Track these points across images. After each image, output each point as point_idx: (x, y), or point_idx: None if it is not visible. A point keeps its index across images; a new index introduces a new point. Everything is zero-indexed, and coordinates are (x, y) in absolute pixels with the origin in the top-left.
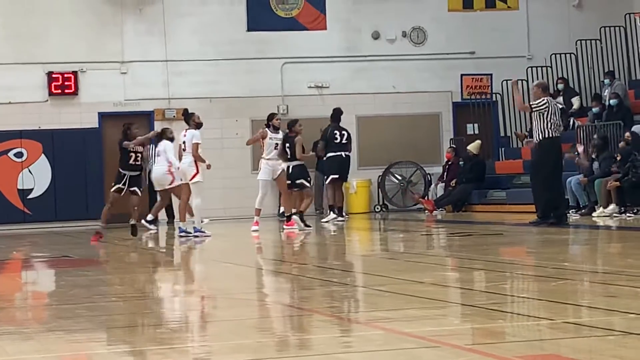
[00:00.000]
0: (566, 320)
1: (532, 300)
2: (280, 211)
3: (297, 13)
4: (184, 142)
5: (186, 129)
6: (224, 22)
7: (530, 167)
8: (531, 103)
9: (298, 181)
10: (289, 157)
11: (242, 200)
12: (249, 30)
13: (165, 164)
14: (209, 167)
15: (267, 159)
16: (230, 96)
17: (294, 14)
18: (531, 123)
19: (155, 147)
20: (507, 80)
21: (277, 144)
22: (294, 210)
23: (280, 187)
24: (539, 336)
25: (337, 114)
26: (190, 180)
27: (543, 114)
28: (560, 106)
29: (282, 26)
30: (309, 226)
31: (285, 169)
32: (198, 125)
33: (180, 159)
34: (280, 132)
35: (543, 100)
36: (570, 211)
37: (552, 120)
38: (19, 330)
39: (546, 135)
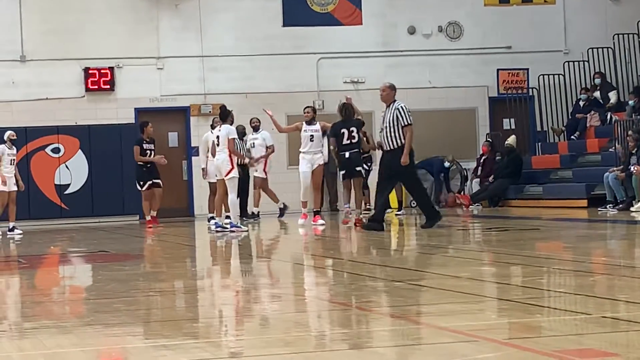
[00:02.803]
0: (604, 315)
1: (569, 295)
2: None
3: (333, 8)
4: (217, 138)
5: (220, 124)
6: (260, 18)
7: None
8: (407, 123)
9: (358, 168)
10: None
11: (279, 196)
12: (284, 25)
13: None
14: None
15: (304, 152)
16: (265, 91)
17: (330, 9)
18: (391, 130)
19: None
20: (543, 75)
21: (311, 136)
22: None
23: (314, 181)
24: (576, 330)
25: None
26: (226, 176)
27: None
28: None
29: (318, 21)
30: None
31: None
32: (232, 122)
33: (213, 155)
34: (316, 123)
35: (405, 107)
36: (607, 206)
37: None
38: (57, 324)
39: (400, 144)
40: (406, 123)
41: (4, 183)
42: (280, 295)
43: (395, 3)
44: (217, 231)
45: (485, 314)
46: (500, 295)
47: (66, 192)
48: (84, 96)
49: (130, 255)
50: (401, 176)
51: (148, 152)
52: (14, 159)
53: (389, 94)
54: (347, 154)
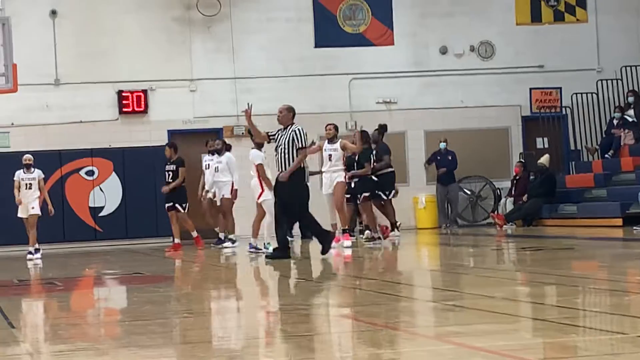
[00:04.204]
0: (639, 335)
1: (605, 314)
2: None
3: (365, 29)
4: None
5: (252, 148)
6: (292, 39)
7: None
8: (301, 146)
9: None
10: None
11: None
12: (316, 46)
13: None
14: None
15: (324, 172)
16: (298, 112)
17: (362, 29)
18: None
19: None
20: (576, 94)
21: (330, 155)
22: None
23: (335, 199)
24: (612, 350)
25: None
26: (258, 199)
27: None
28: (631, 119)
29: (350, 42)
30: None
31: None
32: (259, 145)
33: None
34: (337, 142)
35: (303, 131)
36: None
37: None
38: (93, 346)
39: (299, 167)
40: (300, 146)
41: (20, 203)
42: (314, 316)
43: (427, 23)
44: (249, 252)
45: (520, 334)
46: (535, 315)
47: (100, 214)
48: (117, 119)
49: (164, 277)
50: (289, 202)
51: (166, 173)
52: (30, 184)
53: (286, 115)
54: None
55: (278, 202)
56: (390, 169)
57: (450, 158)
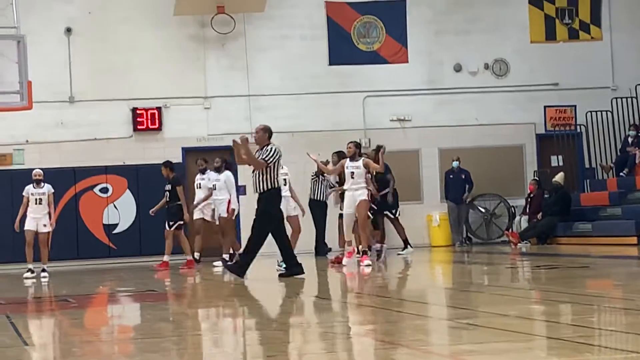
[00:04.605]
0: None
1: (620, 333)
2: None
3: (379, 47)
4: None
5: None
6: (306, 57)
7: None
8: (266, 158)
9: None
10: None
11: (326, 234)
12: (330, 64)
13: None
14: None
15: (347, 190)
16: (312, 130)
17: (376, 47)
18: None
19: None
20: (591, 112)
21: (352, 172)
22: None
23: (360, 218)
24: None
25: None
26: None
27: (272, 165)
28: None
29: (364, 60)
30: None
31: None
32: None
33: None
34: (359, 159)
35: (273, 148)
36: None
37: (277, 169)
38: None
39: (270, 186)
40: (262, 158)
41: (22, 217)
42: (328, 334)
43: (441, 41)
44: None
45: (534, 353)
46: (549, 334)
47: (114, 231)
48: (131, 136)
49: (177, 294)
50: (259, 218)
51: (165, 193)
52: (40, 199)
53: (262, 136)
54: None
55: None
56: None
57: (463, 177)
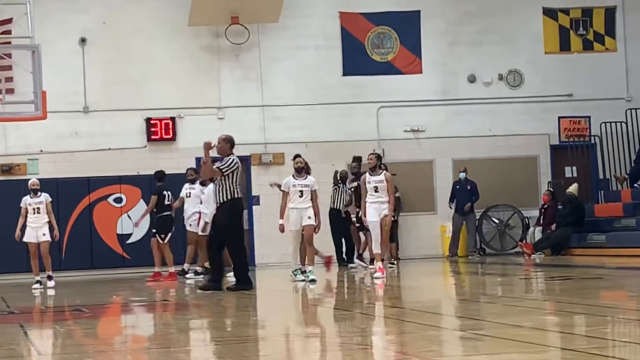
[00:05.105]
0: None
1: (635, 345)
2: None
3: (393, 57)
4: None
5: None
6: (320, 67)
7: (218, 230)
8: (220, 167)
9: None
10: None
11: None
12: (344, 74)
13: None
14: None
15: (370, 202)
16: (326, 140)
17: (390, 58)
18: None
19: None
20: (605, 123)
21: (375, 187)
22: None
23: (383, 232)
24: None
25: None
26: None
27: (230, 175)
28: None
29: (378, 70)
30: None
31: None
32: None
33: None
34: (381, 173)
35: (232, 158)
36: None
37: (238, 179)
38: None
39: (230, 197)
40: (219, 167)
41: (22, 227)
42: (341, 345)
43: (455, 51)
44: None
45: None
46: (563, 345)
47: (128, 241)
48: (145, 146)
49: (191, 304)
50: (222, 231)
51: None
52: (37, 208)
53: (223, 146)
54: None
55: (214, 229)
56: None
57: (469, 188)
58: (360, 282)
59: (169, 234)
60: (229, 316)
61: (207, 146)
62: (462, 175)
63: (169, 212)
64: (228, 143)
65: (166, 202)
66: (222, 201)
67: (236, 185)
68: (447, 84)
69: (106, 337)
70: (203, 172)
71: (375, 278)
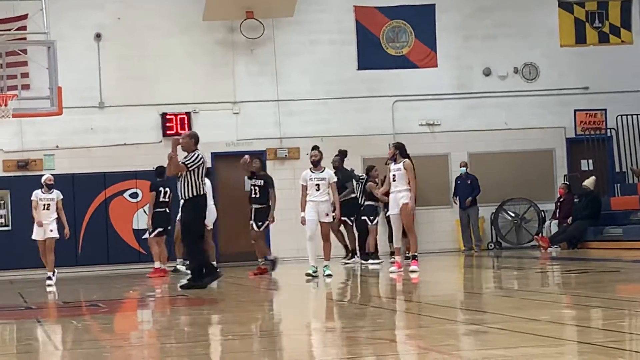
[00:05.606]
0: None
1: None
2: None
3: (408, 51)
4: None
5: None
6: (335, 62)
7: (182, 226)
8: (186, 162)
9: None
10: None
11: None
12: (359, 69)
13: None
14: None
15: (391, 192)
16: (341, 135)
17: (405, 52)
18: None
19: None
20: (622, 115)
21: (394, 175)
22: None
23: (405, 223)
24: None
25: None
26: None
27: (195, 170)
28: None
29: (393, 64)
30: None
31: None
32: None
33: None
34: (401, 162)
35: (197, 154)
36: None
37: (202, 175)
38: None
39: (195, 193)
40: (183, 162)
41: (40, 224)
42: (357, 338)
43: (470, 45)
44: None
45: (565, 358)
46: (580, 339)
47: (144, 236)
48: (161, 141)
49: (208, 299)
50: (183, 227)
51: None
52: (48, 204)
53: (188, 142)
54: None
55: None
56: (352, 195)
57: (469, 182)
58: (376, 276)
59: (157, 230)
60: (245, 311)
61: (175, 142)
62: (462, 170)
63: (163, 209)
64: (192, 139)
65: (161, 199)
66: (187, 197)
67: (201, 181)
68: (463, 77)
69: (123, 332)
70: (168, 167)
71: (391, 272)
